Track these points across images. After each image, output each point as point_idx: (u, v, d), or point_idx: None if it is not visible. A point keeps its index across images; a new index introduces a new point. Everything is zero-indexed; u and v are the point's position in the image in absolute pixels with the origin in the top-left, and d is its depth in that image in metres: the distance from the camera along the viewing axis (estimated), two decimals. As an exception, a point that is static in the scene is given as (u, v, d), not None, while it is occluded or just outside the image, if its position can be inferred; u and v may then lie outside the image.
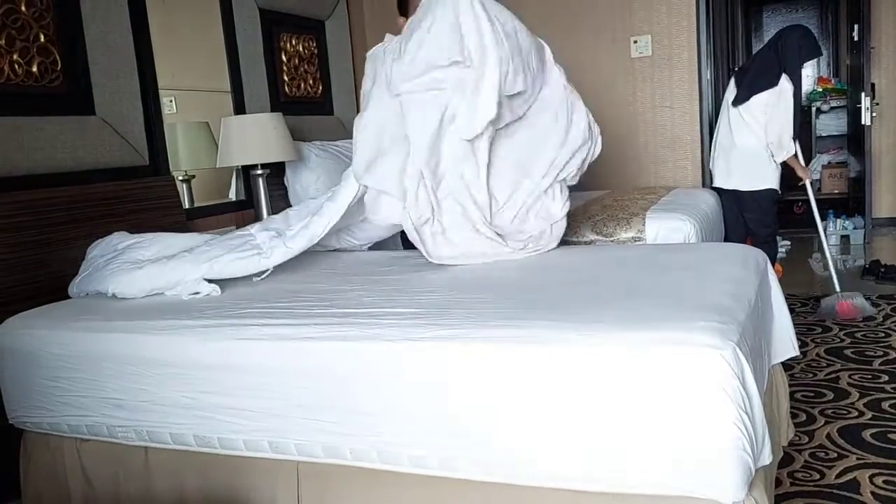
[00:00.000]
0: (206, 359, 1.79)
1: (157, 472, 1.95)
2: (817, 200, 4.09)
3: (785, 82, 3.70)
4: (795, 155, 3.88)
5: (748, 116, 3.81)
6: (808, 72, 8.26)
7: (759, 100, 3.75)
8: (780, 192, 3.94)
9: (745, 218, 3.99)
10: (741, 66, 4.10)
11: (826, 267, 4.02)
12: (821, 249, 4.05)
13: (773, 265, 3.56)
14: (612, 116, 4.93)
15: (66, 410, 2.01)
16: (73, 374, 1.97)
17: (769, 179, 3.85)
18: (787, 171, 3.97)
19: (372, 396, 1.63)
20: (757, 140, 3.81)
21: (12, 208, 2.53)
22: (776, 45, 3.80)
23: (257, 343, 1.75)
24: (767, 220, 3.92)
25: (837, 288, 3.91)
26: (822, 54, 3.86)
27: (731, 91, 3.94)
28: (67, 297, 2.37)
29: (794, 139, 3.81)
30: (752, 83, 3.81)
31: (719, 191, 4.09)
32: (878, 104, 5.75)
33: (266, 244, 2.29)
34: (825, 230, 4.01)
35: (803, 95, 8.10)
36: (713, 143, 4.15)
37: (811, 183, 4.04)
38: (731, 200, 4.01)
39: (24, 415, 2.10)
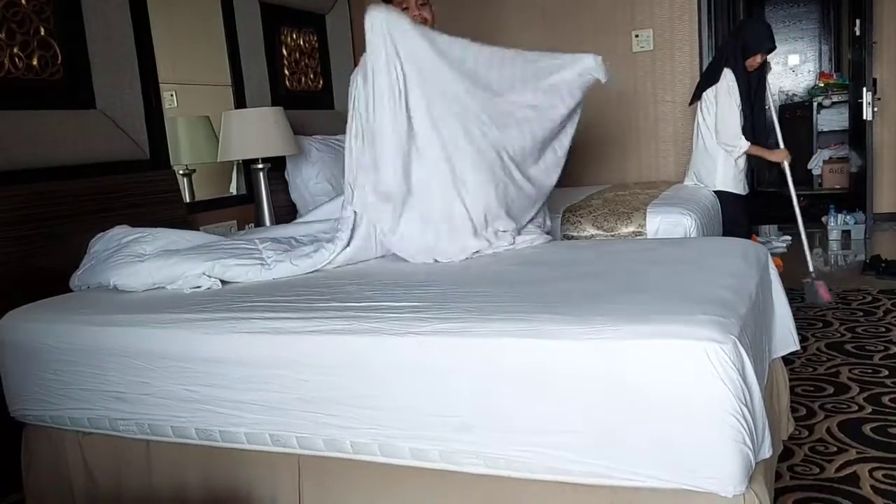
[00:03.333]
0: (207, 352, 1.80)
1: (159, 465, 1.96)
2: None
3: (725, 79, 3.63)
4: (776, 140, 3.82)
5: (699, 115, 3.81)
6: (811, 67, 8.26)
7: (706, 97, 3.74)
8: (740, 194, 3.83)
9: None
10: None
11: (804, 250, 3.94)
12: (798, 233, 3.98)
13: None
14: (613, 111, 4.92)
15: (68, 404, 2.01)
16: (75, 368, 1.98)
17: (719, 181, 3.79)
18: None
19: (373, 390, 1.63)
20: (708, 140, 3.77)
21: (13, 202, 2.53)
22: (728, 39, 3.77)
23: (258, 336, 1.75)
24: (734, 225, 3.77)
25: (811, 268, 3.86)
26: (771, 47, 3.71)
27: None
28: (69, 290, 2.37)
29: (757, 129, 3.72)
30: (702, 80, 3.80)
31: None
32: (879, 99, 5.74)
33: (271, 257, 2.31)
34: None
35: (804, 91, 8.11)
36: None
37: (790, 165, 3.90)
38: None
39: (25, 408, 2.10)
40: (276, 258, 2.30)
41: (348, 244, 2.38)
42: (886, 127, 5.96)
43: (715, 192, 3.83)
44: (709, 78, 3.76)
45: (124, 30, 3.12)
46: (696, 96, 3.85)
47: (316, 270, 2.32)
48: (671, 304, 1.57)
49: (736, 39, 3.73)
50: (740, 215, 3.84)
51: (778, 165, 3.92)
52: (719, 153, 3.75)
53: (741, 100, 3.65)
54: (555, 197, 3.08)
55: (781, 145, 3.91)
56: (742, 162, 3.78)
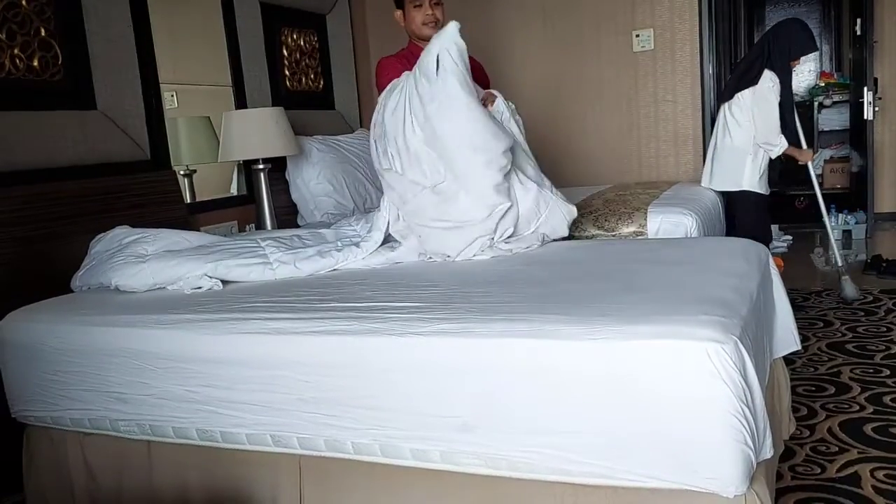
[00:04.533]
0: (208, 353, 1.80)
1: (160, 465, 1.96)
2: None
3: (767, 80, 3.61)
4: (797, 142, 3.83)
5: (729, 115, 3.77)
6: (811, 66, 8.24)
7: (742, 98, 3.71)
8: (765, 195, 3.82)
9: (734, 219, 3.89)
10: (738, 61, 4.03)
11: (830, 250, 3.98)
12: (825, 236, 4.02)
13: None
14: (613, 111, 4.92)
15: (69, 404, 2.01)
16: (76, 368, 1.98)
17: (746, 182, 3.75)
18: (789, 166, 3.93)
19: (374, 390, 1.63)
20: (737, 139, 3.74)
21: (14, 202, 2.53)
22: (767, 40, 3.74)
23: (259, 337, 1.75)
24: (749, 223, 3.76)
25: (841, 263, 3.89)
26: (815, 50, 3.74)
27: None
28: (69, 291, 2.37)
29: (791, 129, 3.73)
30: (738, 80, 3.77)
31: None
32: (880, 98, 5.73)
33: (274, 256, 2.32)
34: (828, 215, 3.98)
35: (805, 90, 8.10)
36: None
37: (813, 166, 3.99)
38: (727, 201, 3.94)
39: (26, 409, 2.10)
40: (279, 258, 2.30)
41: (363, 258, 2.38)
42: (887, 126, 5.95)
43: (738, 192, 3.78)
44: (747, 78, 3.70)
45: (125, 30, 3.12)
46: (729, 95, 3.79)
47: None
48: (672, 305, 1.57)
49: (779, 41, 3.68)
50: (763, 215, 3.84)
51: (792, 164, 3.93)
52: (748, 153, 3.72)
53: (781, 100, 3.66)
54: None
55: (804, 145, 3.94)
56: (766, 163, 3.77)
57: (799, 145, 3.88)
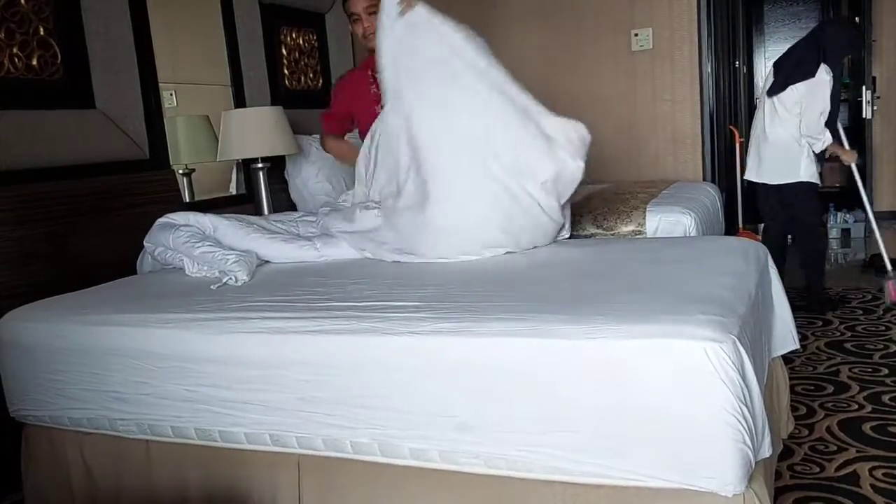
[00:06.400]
0: (207, 352, 1.80)
1: (159, 465, 1.96)
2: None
3: (823, 74, 3.63)
4: (840, 142, 3.87)
5: (781, 107, 3.76)
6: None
7: (795, 91, 3.70)
8: (819, 184, 3.84)
9: (789, 211, 3.88)
10: (780, 56, 4.01)
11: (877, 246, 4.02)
12: (868, 227, 4.05)
13: (822, 259, 3.54)
14: (612, 110, 4.92)
15: (67, 403, 2.01)
16: (74, 368, 1.97)
17: (802, 173, 3.76)
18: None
19: (373, 390, 1.63)
20: (792, 131, 3.74)
21: (12, 202, 2.52)
22: (817, 36, 3.74)
23: (258, 336, 1.75)
24: (809, 213, 3.81)
25: (889, 267, 3.89)
26: (860, 51, 3.81)
27: (768, 81, 3.88)
28: (66, 291, 2.35)
29: (835, 127, 3.77)
30: (790, 74, 3.75)
31: (753, 183, 4.01)
32: (878, 98, 5.74)
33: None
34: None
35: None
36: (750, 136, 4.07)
37: (857, 167, 4.02)
38: (771, 194, 3.90)
39: (24, 408, 2.10)
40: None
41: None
42: (885, 125, 5.96)
43: (798, 183, 3.77)
44: (801, 71, 3.70)
45: (124, 29, 3.12)
46: (780, 88, 3.77)
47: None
48: (671, 304, 1.57)
49: (833, 39, 3.70)
50: (818, 204, 3.87)
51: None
52: (805, 144, 3.74)
53: (832, 95, 3.68)
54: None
55: (847, 145, 3.96)
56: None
57: (842, 144, 3.92)
